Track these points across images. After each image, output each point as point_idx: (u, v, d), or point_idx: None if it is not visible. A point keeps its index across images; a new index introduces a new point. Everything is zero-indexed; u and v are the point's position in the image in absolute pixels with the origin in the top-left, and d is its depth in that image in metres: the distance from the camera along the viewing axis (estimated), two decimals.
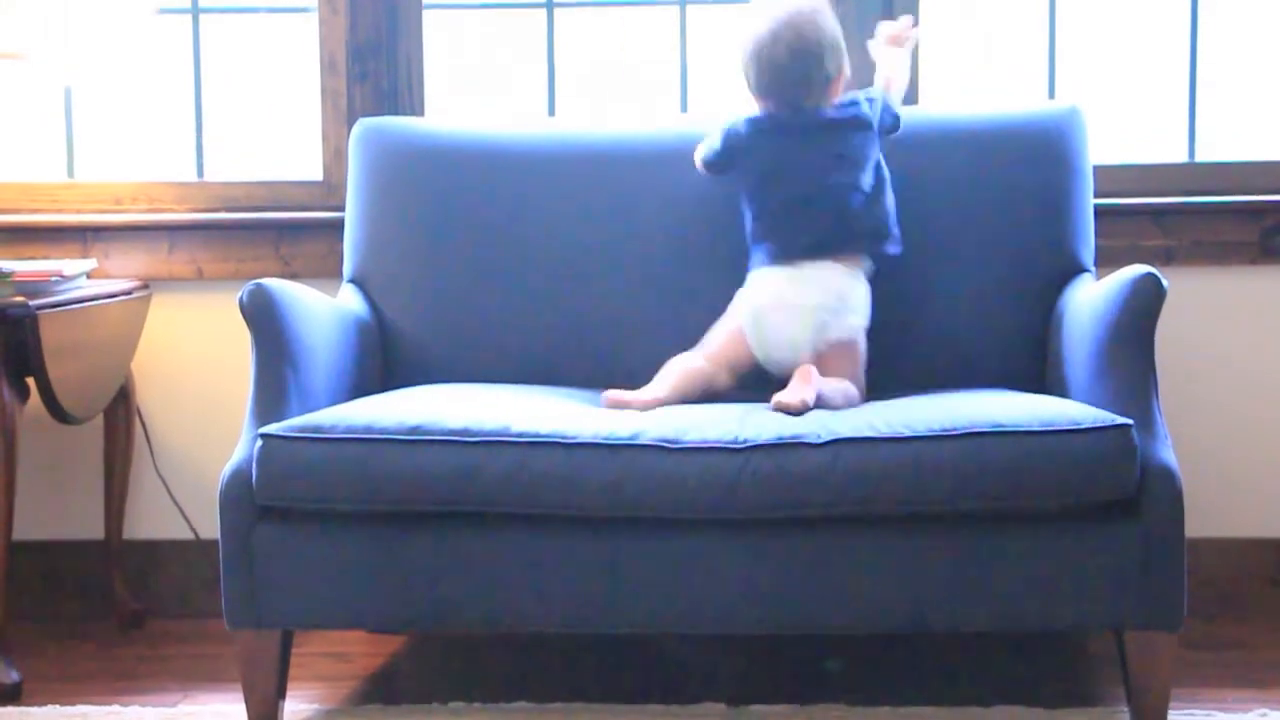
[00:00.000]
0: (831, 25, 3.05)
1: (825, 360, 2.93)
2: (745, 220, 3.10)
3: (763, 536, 2.64)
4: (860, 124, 3.06)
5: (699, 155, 3.17)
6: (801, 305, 2.96)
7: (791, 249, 3.00)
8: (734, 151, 3.09)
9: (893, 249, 3.05)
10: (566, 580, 2.67)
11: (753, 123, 3.08)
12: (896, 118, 3.14)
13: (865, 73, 3.24)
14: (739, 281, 3.12)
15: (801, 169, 3.03)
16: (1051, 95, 3.57)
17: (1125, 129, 3.60)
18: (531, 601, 2.68)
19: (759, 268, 3.04)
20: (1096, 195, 3.28)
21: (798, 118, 3.05)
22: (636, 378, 3.13)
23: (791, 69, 3.02)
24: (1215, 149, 3.57)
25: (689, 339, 3.14)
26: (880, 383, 3.01)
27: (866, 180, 3.05)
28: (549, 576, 2.67)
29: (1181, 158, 3.56)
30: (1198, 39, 3.54)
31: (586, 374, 3.18)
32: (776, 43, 3.01)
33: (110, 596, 3.51)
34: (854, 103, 3.08)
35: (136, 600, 3.54)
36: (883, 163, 3.09)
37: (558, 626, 2.75)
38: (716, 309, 3.15)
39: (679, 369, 2.97)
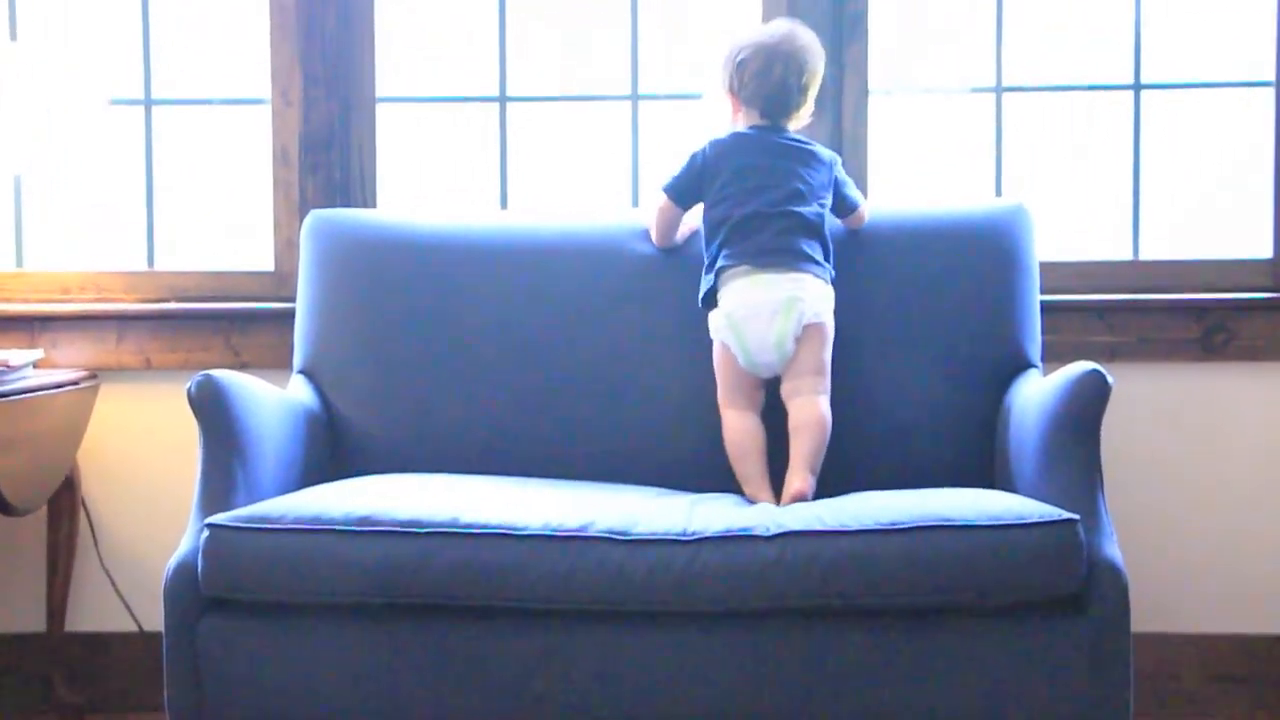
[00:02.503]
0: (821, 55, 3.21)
1: (799, 343, 3.03)
2: (706, 244, 3.13)
3: (712, 629, 2.63)
4: (818, 160, 3.15)
5: (660, 189, 3.21)
6: (772, 299, 3.02)
7: (757, 256, 3.05)
8: (707, 168, 3.14)
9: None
10: (515, 674, 2.65)
11: (737, 135, 3.16)
12: (855, 205, 3.23)
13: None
14: (687, 373, 3.15)
15: (772, 182, 3.09)
16: (998, 193, 3.62)
17: (1070, 227, 3.64)
18: (482, 696, 2.66)
19: (725, 283, 3.07)
20: (1043, 292, 3.32)
21: (773, 135, 3.15)
22: (584, 468, 3.15)
23: (794, 91, 3.15)
24: (1159, 247, 3.61)
25: (637, 430, 3.17)
26: (829, 476, 3.02)
27: (823, 208, 3.13)
28: (498, 671, 2.65)
29: (1126, 255, 3.60)
30: (1141, 139, 3.60)
31: (536, 464, 3.17)
32: (789, 63, 3.13)
33: (50, 690, 3.46)
34: (809, 142, 3.18)
35: (78, 694, 3.49)
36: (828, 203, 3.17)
37: None
38: (664, 399, 3.18)
39: (755, 448, 3.05)
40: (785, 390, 3.06)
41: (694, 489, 3.07)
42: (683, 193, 3.19)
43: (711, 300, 3.10)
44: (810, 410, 3.03)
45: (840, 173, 3.20)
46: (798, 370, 3.05)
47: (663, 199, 3.22)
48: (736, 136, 3.16)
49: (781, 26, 3.19)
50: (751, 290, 3.04)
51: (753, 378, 3.08)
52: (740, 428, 3.07)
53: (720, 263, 3.08)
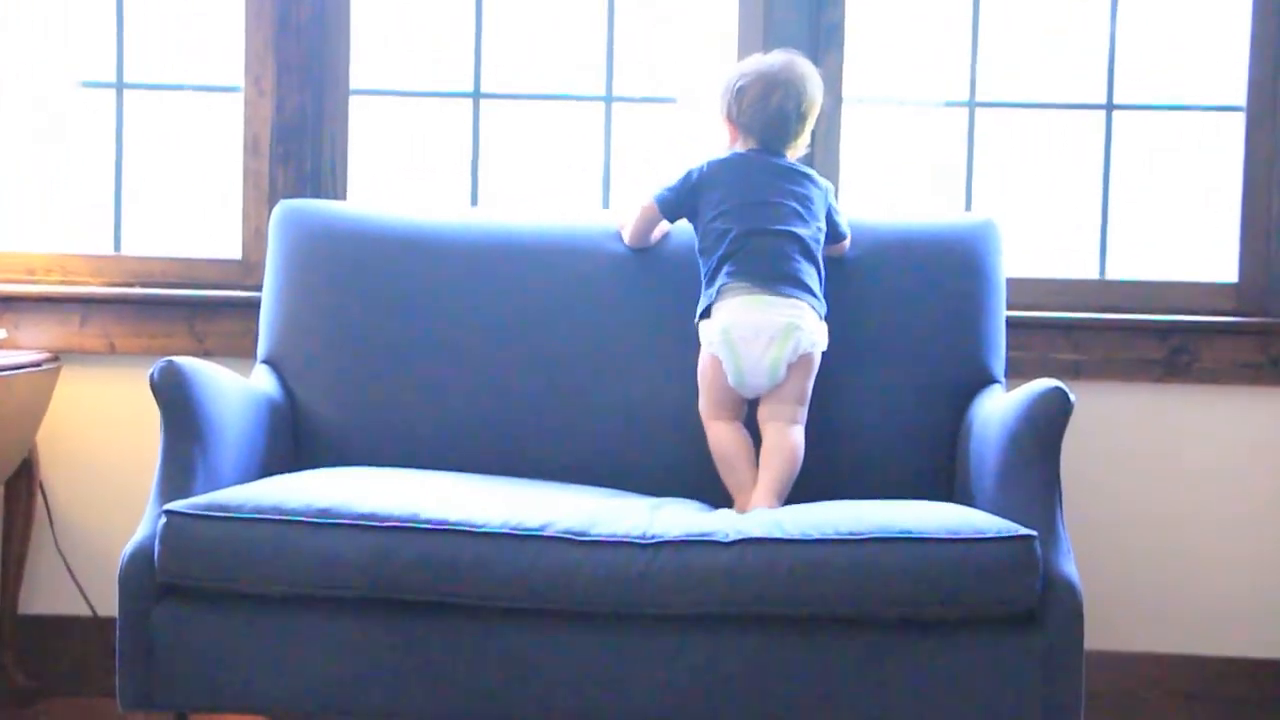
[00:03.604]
0: (821, 85, 3.22)
1: (789, 369, 3.02)
2: (705, 256, 3.12)
3: (669, 633, 2.63)
4: (815, 185, 3.15)
5: (651, 197, 3.20)
6: (772, 324, 3.01)
7: (762, 278, 3.04)
8: (702, 184, 3.14)
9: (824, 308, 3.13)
10: (470, 671, 2.65)
11: (737, 155, 3.16)
12: (843, 235, 3.24)
13: None
14: (656, 376, 3.15)
15: (773, 200, 3.09)
16: (968, 207, 3.63)
17: (1039, 244, 3.66)
18: (435, 691, 2.66)
19: (724, 298, 3.05)
20: (1009, 307, 3.33)
21: (771, 158, 3.14)
22: (549, 467, 3.15)
23: (792, 119, 3.15)
24: (1126, 267, 3.63)
25: (603, 431, 3.16)
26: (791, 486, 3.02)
27: (820, 232, 3.13)
28: (453, 666, 2.65)
29: (1093, 274, 3.62)
30: (1111, 159, 3.61)
31: (500, 462, 3.17)
32: (789, 91, 3.13)
33: (2, 672, 3.44)
34: (806, 167, 3.19)
35: (29, 677, 3.47)
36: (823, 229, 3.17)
37: (461, 718, 2.72)
38: (633, 402, 3.18)
39: (743, 455, 3.04)
40: (763, 413, 3.05)
41: (658, 493, 3.08)
42: (671, 205, 3.19)
43: (705, 311, 3.09)
44: (786, 439, 3.02)
45: (833, 201, 3.20)
46: (781, 396, 3.04)
47: (649, 203, 3.21)
48: (737, 156, 3.16)
49: (781, 56, 3.19)
50: (751, 311, 3.02)
51: (738, 394, 3.07)
52: (731, 438, 3.05)
53: (721, 279, 3.06)
